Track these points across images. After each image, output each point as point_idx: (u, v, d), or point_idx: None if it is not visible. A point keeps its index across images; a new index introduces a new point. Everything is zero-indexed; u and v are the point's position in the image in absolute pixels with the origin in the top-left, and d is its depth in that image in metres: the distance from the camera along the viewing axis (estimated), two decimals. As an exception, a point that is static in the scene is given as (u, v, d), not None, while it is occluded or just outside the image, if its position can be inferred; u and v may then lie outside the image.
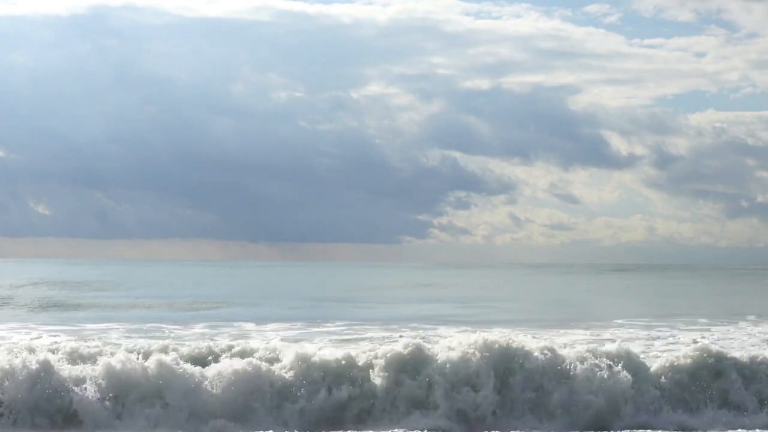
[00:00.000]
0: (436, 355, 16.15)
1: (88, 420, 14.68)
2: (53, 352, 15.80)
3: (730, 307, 43.91)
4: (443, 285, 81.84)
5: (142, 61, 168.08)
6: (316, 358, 16.00)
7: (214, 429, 14.82)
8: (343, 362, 16.01)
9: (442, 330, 28.92)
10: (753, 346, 24.20)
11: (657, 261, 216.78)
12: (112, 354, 15.84)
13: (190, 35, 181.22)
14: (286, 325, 30.93)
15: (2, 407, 14.78)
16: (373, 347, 16.97)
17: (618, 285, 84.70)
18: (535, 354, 16.12)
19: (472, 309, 43.56)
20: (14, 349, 15.74)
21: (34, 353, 15.43)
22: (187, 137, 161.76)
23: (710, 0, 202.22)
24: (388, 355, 16.01)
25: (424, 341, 17.10)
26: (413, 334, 25.59)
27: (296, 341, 20.56)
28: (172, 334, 26.86)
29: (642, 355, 17.69)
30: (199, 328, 29.21)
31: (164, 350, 16.42)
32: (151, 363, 15.41)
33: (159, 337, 25.40)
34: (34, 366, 15.02)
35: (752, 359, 16.76)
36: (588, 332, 28.70)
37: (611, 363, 16.13)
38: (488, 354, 15.92)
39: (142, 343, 17.79)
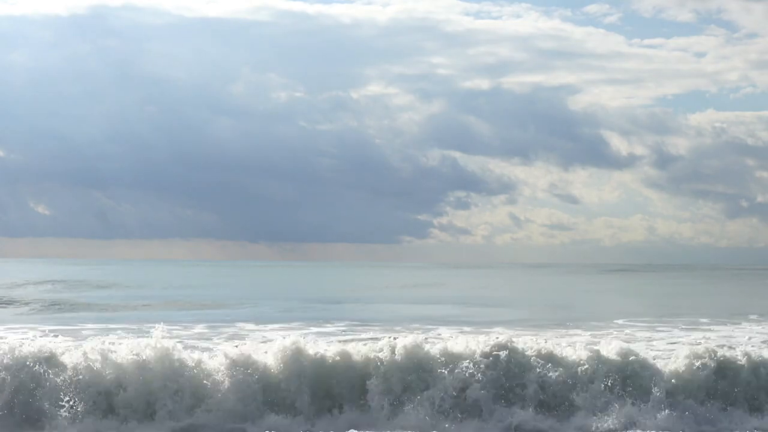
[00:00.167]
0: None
1: None
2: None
3: (732, 307, 43.86)
4: (444, 285, 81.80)
5: (142, 61, 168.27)
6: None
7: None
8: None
9: (442, 330, 28.88)
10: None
11: (657, 261, 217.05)
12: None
13: (190, 35, 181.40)
14: (286, 325, 30.89)
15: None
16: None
17: (619, 285, 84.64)
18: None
19: (473, 309, 43.52)
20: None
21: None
22: (187, 137, 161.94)
23: (710, 0, 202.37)
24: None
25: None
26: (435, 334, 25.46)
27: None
28: (172, 334, 26.85)
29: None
30: (199, 329, 29.17)
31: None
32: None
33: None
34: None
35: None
36: (587, 332, 28.65)
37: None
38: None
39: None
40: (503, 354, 15.54)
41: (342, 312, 38.87)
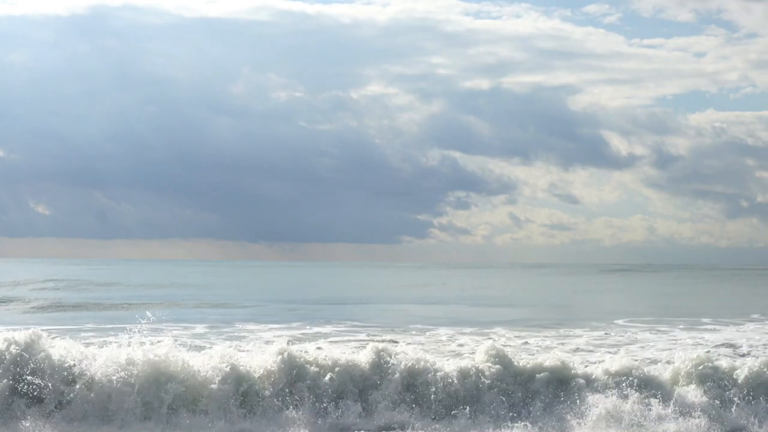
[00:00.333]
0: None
1: None
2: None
3: (733, 307, 43.82)
4: (444, 285, 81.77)
5: (142, 61, 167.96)
6: None
7: None
8: None
9: (442, 330, 28.84)
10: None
11: (657, 261, 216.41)
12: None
13: (190, 35, 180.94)
14: (285, 325, 30.84)
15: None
16: None
17: (619, 285, 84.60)
18: None
19: (473, 309, 43.49)
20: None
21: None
22: (187, 137, 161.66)
23: (710, 0, 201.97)
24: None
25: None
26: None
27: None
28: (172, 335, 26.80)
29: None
30: (199, 329, 29.13)
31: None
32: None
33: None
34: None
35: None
36: (600, 333, 28.61)
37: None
38: None
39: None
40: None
41: (342, 312, 38.83)
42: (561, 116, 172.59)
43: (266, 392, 15.30)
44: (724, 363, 16.60)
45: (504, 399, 15.47)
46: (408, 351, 16.30)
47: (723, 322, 33.63)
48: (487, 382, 15.66)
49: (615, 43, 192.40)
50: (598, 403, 15.14)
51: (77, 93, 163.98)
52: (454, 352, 23.26)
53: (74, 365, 15.28)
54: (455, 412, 15.06)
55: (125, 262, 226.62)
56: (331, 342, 25.25)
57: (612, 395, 15.39)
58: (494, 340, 16.71)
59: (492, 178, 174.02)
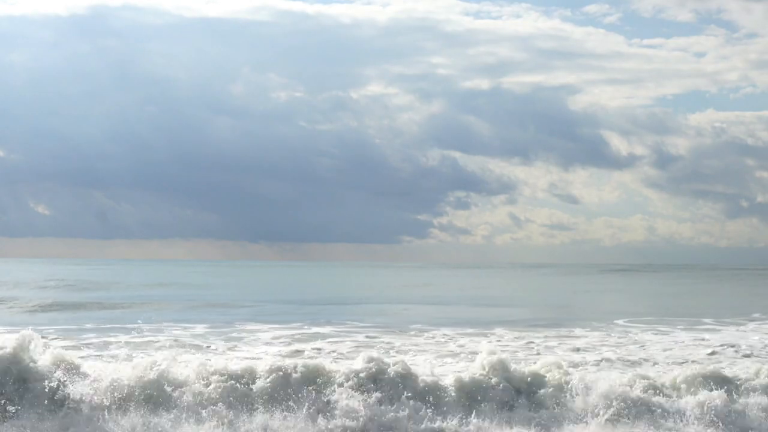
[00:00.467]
0: None
1: None
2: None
3: (734, 307, 43.75)
4: (444, 285, 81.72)
5: (142, 61, 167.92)
6: None
7: None
8: None
9: (445, 330, 28.79)
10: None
11: (657, 261, 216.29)
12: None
13: (190, 35, 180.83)
14: (286, 326, 30.79)
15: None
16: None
17: (619, 285, 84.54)
18: None
19: (474, 310, 43.44)
20: None
21: None
22: (187, 137, 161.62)
23: (710, 0, 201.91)
24: None
25: None
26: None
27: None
28: (172, 335, 26.76)
29: None
30: (199, 329, 29.09)
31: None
32: None
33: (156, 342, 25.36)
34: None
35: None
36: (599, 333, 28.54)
37: None
38: None
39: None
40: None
41: (342, 312, 38.77)
42: (561, 116, 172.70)
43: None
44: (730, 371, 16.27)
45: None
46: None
47: (725, 322, 33.58)
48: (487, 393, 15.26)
49: (615, 43, 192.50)
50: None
51: (77, 93, 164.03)
52: (452, 352, 23.22)
53: (57, 387, 14.62)
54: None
55: (125, 262, 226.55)
56: (330, 342, 25.21)
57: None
58: (493, 350, 16.18)
59: (492, 178, 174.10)
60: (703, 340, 26.82)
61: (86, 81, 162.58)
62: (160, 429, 13.76)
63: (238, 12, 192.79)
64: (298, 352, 22.79)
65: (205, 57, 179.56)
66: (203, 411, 14.24)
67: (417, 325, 31.02)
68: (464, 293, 63.97)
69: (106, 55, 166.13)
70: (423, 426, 14.26)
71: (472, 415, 14.46)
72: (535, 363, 16.34)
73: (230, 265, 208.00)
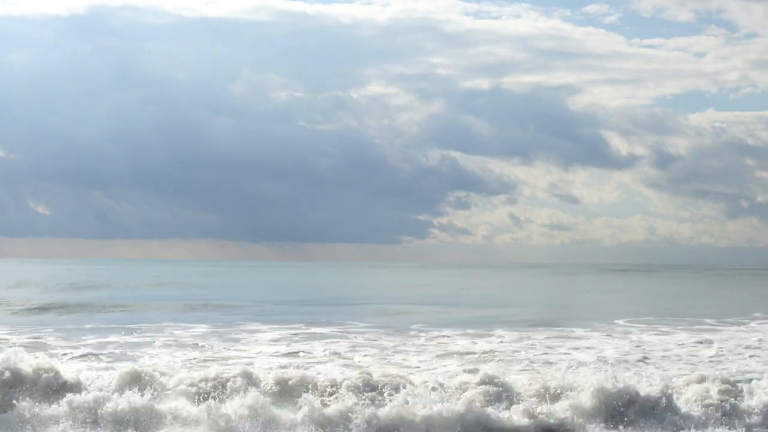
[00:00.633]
0: None
1: None
2: None
3: (735, 307, 43.64)
4: (444, 285, 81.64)
5: (142, 61, 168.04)
6: None
7: None
8: None
9: (447, 332, 28.70)
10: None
11: (657, 261, 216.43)
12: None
13: (190, 35, 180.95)
14: (286, 327, 30.70)
15: None
16: None
17: (620, 285, 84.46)
18: None
19: (475, 310, 43.34)
20: None
21: None
22: (187, 137, 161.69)
23: (710, 0, 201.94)
24: None
25: None
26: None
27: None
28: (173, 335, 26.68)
29: None
30: (198, 329, 29.00)
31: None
32: None
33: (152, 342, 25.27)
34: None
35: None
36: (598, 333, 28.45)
37: None
38: None
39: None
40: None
41: (342, 313, 38.67)
42: (561, 116, 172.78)
43: None
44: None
45: None
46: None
47: (726, 321, 33.49)
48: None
49: (615, 43, 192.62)
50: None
51: (77, 93, 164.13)
52: (452, 353, 23.12)
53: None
54: None
55: (125, 262, 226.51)
56: (329, 343, 25.12)
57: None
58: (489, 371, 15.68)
59: (492, 178, 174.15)
60: (704, 341, 26.71)
61: (86, 81, 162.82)
62: None
63: (238, 12, 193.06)
64: (293, 354, 22.72)
65: (205, 57, 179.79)
66: None
67: (417, 325, 30.93)
68: (464, 293, 63.87)
69: (106, 55, 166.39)
70: None
71: None
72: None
73: (230, 265, 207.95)
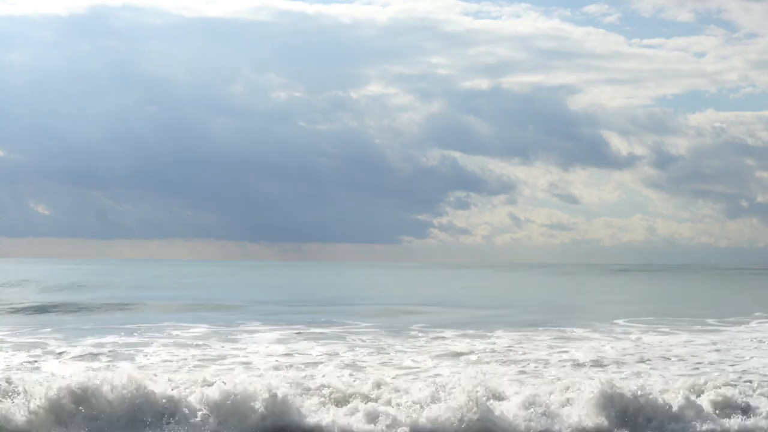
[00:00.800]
0: None
1: None
2: None
3: (736, 307, 43.64)
4: (443, 285, 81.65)
5: (142, 61, 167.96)
6: None
7: None
8: None
9: (447, 333, 28.68)
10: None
11: (657, 261, 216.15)
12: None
13: (190, 35, 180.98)
14: (286, 327, 30.68)
15: None
16: None
17: (620, 285, 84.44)
18: None
19: (477, 310, 43.33)
20: None
21: None
22: (187, 137, 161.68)
23: (710, 0, 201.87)
24: None
25: None
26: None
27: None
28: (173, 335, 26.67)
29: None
30: (198, 329, 28.98)
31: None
32: None
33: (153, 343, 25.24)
34: None
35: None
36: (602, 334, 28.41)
37: None
38: None
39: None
40: None
41: (342, 313, 38.66)
42: (561, 116, 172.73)
43: None
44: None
45: None
46: None
47: (727, 321, 33.47)
48: None
49: (615, 43, 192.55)
50: None
51: (77, 93, 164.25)
52: (451, 353, 23.10)
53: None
54: None
55: (125, 262, 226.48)
56: (329, 343, 25.11)
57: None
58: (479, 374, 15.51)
59: (492, 178, 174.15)
60: (704, 341, 26.69)
61: (86, 81, 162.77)
62: None
63: (238, 12, 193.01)
64: (288, 355, 22.71)
65: (205, 57, 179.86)
66: None
67: (417, 325, 30.91)
68: (464, 293, 63.86)
69: (106, 55, 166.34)
70: None
71: None
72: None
73: (230, 265, 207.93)
